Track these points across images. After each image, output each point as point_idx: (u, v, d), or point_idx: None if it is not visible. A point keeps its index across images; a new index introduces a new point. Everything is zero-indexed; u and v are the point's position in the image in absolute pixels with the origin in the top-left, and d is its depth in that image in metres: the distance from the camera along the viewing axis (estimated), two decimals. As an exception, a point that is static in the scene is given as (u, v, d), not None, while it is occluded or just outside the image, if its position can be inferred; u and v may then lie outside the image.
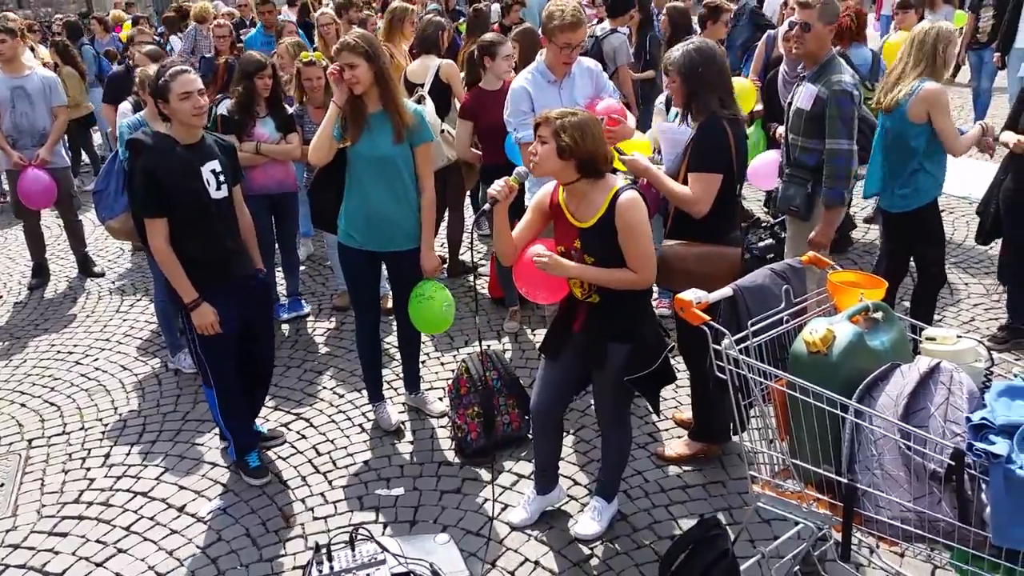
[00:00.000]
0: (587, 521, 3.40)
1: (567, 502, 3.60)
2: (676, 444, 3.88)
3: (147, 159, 3.44)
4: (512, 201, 3.07)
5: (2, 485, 3.95)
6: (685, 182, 3.39)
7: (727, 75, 3.49)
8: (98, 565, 3.40)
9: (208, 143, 3.60)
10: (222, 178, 3.57)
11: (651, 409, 3.82)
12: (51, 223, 7.39)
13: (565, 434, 3.99)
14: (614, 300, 3.05)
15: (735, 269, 3.26)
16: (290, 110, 5.27)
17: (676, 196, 3.39)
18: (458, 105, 5.61)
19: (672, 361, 3.20)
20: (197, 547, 3.46)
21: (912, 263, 4.51)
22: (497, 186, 3.03)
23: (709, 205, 3.33)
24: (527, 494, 3.55)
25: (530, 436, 4.02)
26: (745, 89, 5.73)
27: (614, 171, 3.14)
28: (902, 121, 4.07)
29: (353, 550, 2.42)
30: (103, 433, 4.35)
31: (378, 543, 2.42)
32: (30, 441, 4.32)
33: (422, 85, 5.42)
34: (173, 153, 3.46)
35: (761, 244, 4.71)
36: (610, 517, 3.43)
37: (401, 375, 4.42)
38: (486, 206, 3.08)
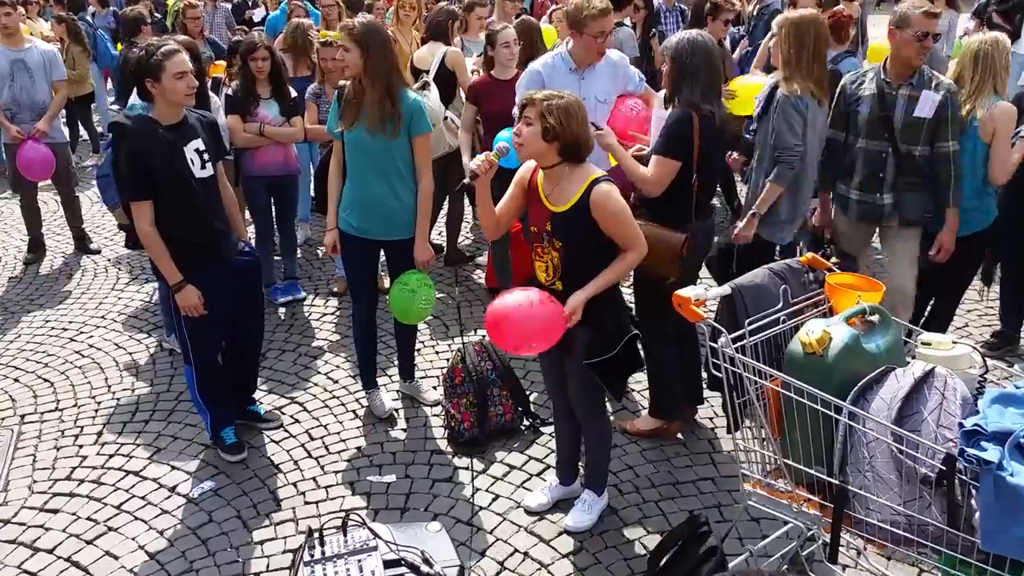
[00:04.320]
0: (577, 514, 3.42)
1: (558, 494, 3.62)
2: (637, 420, 4.04)
3: (131, 143, 3.43)
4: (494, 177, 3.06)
5: (-6, 460, 3.96)
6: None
7: (716, 71, 3.54)
8: (88, 543, 3.41)
9: (191, 122, 3.57)
10: (206, 156, 3.56)
11: (612, 397, 3.75)
12: (48, 198, 7.35)
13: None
14: (576, 286, 3.02)
15: (675, 255, 3.39)
16: (309, 89, 5.30)
17: (634, 174, 3.56)
18: (463, 93, 5.60)
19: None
20: (188, 528, 3.47)
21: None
22: (477, 161, 3.03)
23: (662, 187, 3.50)
24: (549, 481, 3.59)
25: (523, 428, 4.06)
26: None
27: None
28: (974, 141, 3.92)
29: (345, 535, 2.42)
30: (96, 411, 4.35)
31: (371, 529, 2.41)
32: (22, 416, 4.31)
33: (428, 72, 5.40)
34: (156, 135, 3.43)
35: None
36: (600, 510, 3.45)
37: (396, 362, 4.42)
38: (466, 179, 3.06)
